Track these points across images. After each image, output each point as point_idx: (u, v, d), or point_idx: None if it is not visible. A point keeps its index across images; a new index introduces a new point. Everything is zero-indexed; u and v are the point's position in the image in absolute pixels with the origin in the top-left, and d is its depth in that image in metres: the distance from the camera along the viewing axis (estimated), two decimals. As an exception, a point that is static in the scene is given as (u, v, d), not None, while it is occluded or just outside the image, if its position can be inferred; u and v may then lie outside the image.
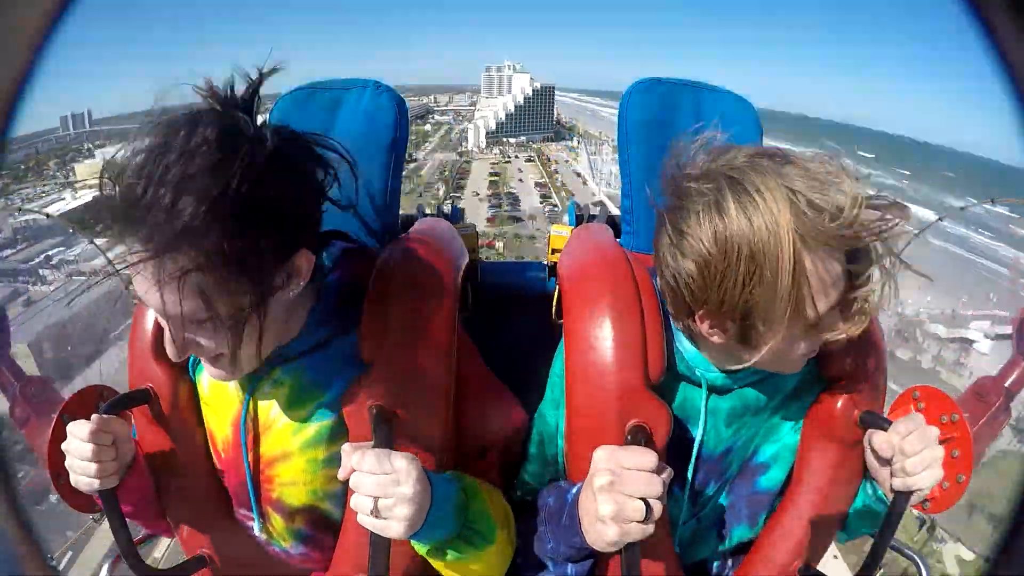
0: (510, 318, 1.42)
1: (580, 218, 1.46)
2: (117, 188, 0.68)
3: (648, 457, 0.75)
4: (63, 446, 0.86)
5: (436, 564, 0.86)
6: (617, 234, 1.25)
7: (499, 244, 65.06)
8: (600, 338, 0.89)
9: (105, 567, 1.11)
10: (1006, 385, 1.50)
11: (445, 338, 0.91)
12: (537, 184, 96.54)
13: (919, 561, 1.18)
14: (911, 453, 0.79)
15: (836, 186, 0.71)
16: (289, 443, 0.92)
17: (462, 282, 1.03)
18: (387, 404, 0.85)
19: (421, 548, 0.83)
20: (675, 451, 0.93)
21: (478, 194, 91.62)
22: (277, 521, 0.98)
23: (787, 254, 0.70)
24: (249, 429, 0.93)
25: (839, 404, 0.93)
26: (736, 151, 0.79)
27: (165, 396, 0.94)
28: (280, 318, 0.83)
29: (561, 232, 1.42)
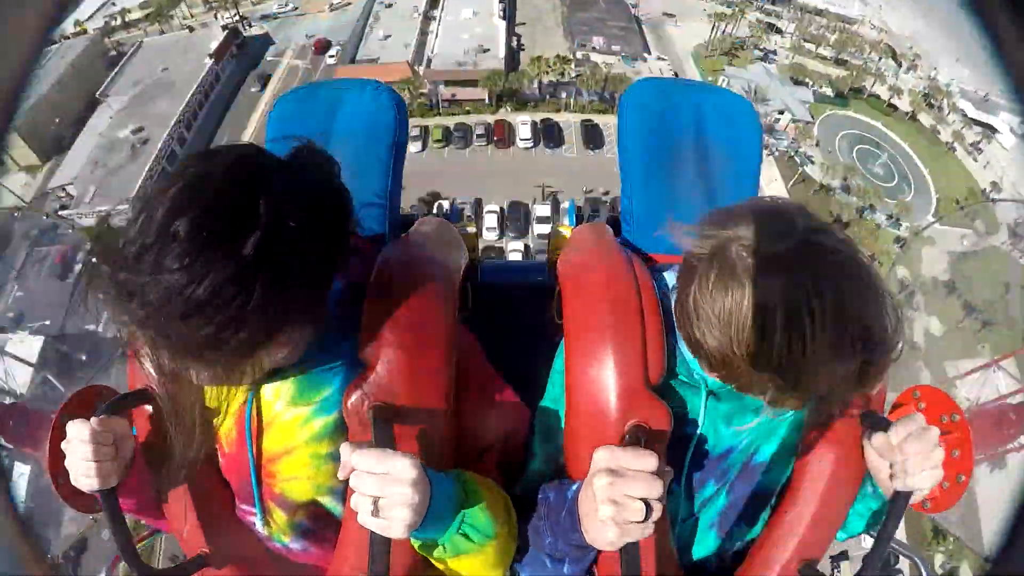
0: (510, 318, 1.42)
1: (580, 218, 1.46)
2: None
3: (648, 458, 0.75)
4: (63, 446, 0.86)
5: (437, 562, 0.86)
6: (617, 234, 1.25)
7: None
8: (600, 338, 0.89)
9: (105, 567, 1.11)
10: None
11: (445, 337, 0.91)
12: None
13: (919, 561, 1.18)
14: (911, 453, 0.79)
15: None
16: (292, 438, 0.93)
17: (462, 282, 1.03)
18: (387, 403, 0.85)
19: (421, 546, 0.83)
20: (675, 451, 0.93)
21: None
22: (279, 516, 0.98)
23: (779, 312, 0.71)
24: (253, 424, 0.93)
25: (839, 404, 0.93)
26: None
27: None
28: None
29: (561, 232, 1.42)
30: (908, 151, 32.21)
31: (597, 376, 0.89)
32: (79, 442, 0.84)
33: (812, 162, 30.73)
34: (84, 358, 20.31)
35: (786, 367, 0.72)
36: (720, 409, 0.96)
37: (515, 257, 26.21)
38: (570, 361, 0.93)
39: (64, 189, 27.91)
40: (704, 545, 1.04)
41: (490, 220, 27.86)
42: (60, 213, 27.10)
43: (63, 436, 0.86)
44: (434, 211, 1.60)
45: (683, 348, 0.94)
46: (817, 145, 31.33)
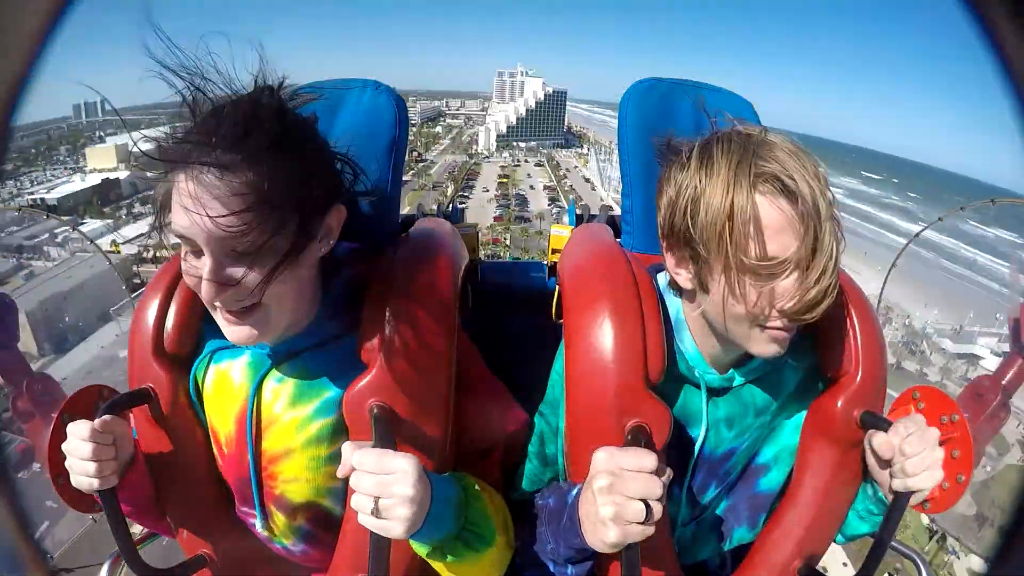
0: (510, 318, 1.42)
1: (580, 218, 1.46)
2: (192, 121, 0.76)
3: (648, 459, 0.75)
4: (63, 446, 0.86)
5: (435, 564, 0.86)
6: (617, 234, 1.25)
7: (506, 239, 65.32)
8: (600, 338, 0.89)
9: (105, 567, 1.11)
10: (1003, 383, 1.50)
11: (445, 338, 0.91)
12: (546, 187, 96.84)
13: (919, 561, 1.18)
14: (911, 454, 0.79)
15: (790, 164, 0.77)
16: (292, 440, 0.93)
17: (462, 282, 1.03)
18: (387, 404, 0.85)
19: (420, 548, 0.83)
20: (675, 452, 0.93)
21: (487, 190, 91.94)
22: (279, 518, 0.98)
23: (721, 189, 0.78)
24: (253, 426, 0.93)
25: (839, 404, 0.93)
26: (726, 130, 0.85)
27: (165, 396, 0.94)
28: (305, 282, 0.86)
29: (561, 232, 1.41)
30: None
31: (597, 376, 0.89)
32: (79, 442, 0.84)
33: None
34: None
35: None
36: (721, 411, 0.96)
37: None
38: (570, 361, 0.93)
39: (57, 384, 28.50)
40: (705, 547, 1.04)
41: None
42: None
43: (63, 436, 0.86)
44: (434, 211, 1.60)
45: (684, 346, 0.94)
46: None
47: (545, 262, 1.52)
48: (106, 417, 0.86)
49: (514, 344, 1.24)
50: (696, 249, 0.82)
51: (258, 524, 0.99)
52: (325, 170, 0.87)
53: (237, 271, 0.76)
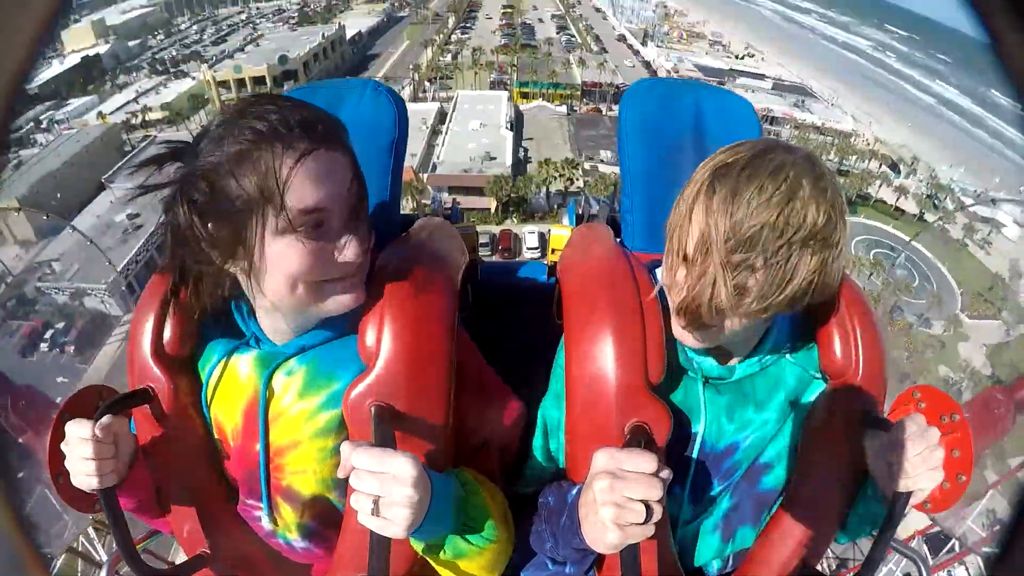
0: (510, 318, 1.42)
1: (580, 218, 1.46)
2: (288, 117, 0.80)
3: (648, 460, 0.75)
4: (63, 446, 0.86)
5: (435, 562, 0.86)
6: (617, 234, 1.25)
7: (513, 63, 62.76)
8: (600, 338, 0.89)
9: (105, 567, 1.11)
10: (1016, 398, 1.48)
11: (445, 337, 0.91)
12: (554, 16, 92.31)
13: (919, 561, 1.18)
14: (911, 454, 0.79)
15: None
16: (300, 431, 0.93)
17: (462, 282, 1.03)
18: (387, 403, 0.85)
19: (420, 546, 0.83)
20: (677, 448, 0.94)
21: (491, 18, 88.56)
22: (286, 511, 0.98)
23: (687, 197, 0.82)
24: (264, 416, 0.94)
25: (839, 404, 0.93)
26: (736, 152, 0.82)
27: (165, 395, 0.94)
28: None
29: (561, 232, 1.42)
30: (924, 251, 33.55)
31: (597, 376, 0.89)
32: (79, 442, 0.84)
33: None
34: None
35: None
36: (720, 402, 0.96)
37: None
38: (570, 361, 0.93)
39: (50, 265, 28.58)
40: (707, 547, 1.04)
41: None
42: (38, 286, 27.92)
43: (63, 436, 0.86)
44: (434, 211, 1.60)
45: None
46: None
47: (545, 262, 1.52)
48: (106, 417, 0.86)
49: (514, 344, 1.24)
50: (674, 246, 0.86)
51: (264, 517, 0.99)
52: None
53: (354, 237, 0.85)
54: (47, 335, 25.63)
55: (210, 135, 0.80)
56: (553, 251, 1.41)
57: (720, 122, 1.20)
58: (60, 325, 26.10)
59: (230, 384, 0.96)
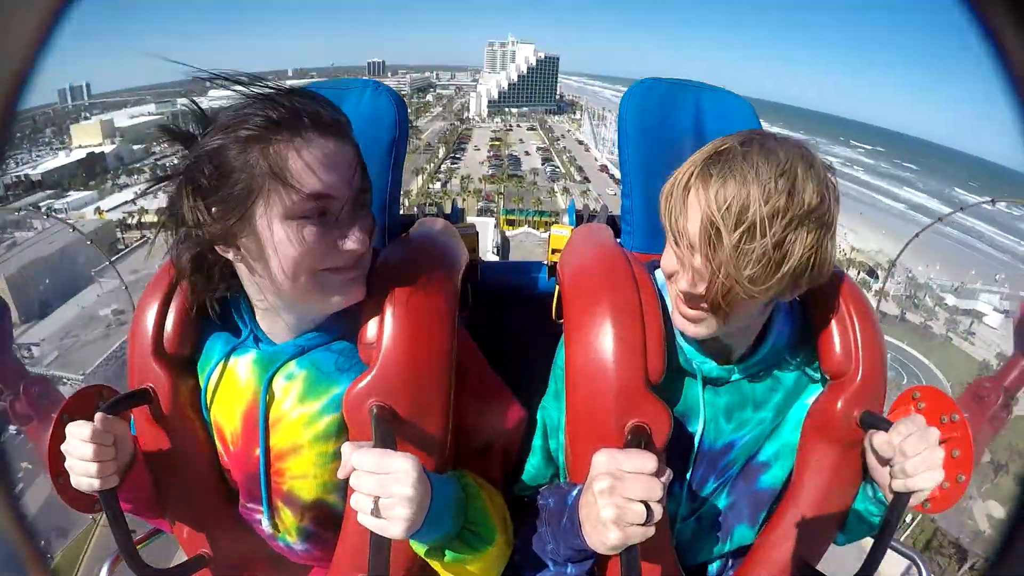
0: (510, 318, 1.42)
1: (580, 218, 1.46)
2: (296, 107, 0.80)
3: (648, 460, 0.75)
4: (63, 447, 0.86)
5: (435, 564, 0.86)
6: (617, 234, 1.25)
7: (500, 191, 65.33)
8: (600, 338, 0.89)
9: (105, 567, 1.11)
10: (1005, 384, 1.50)
11: (445, 338, 0.91)
12: (539, 148, 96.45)
13: (919, 561, 1.18)
14: (911, 455, 0.79)
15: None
16: (300, 436, 0.93)
17: (462, 282, 1.03)
18: (387, 403, 0.85)
19: (420, 548, 0.83)
20: (676, 447, 0.94)
21: (479, 149, 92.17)
22: (287, 515, 0.98)
23: (681, 182, 0.83)
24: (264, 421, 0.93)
25: (839, 404, 0.93)
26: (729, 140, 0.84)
27: (165, 396, 0.94)
28: None
29: (561, 232, 1.41)
30: (909, 350, 34.38)
31: (597, 376, 0.89)
32: (79, 442, 0.84)
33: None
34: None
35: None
36: (719, 403, 0.96)
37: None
38: (570, 361, 0.93)
39: (29, 348, 28.20)
40: (705, 545, 1.04)
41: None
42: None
43: (63, 436, 0.86)
44: (434, 211, 1.60)
45: (681, 341, 0.94)
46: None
47: (545, 262, 1.51)
48: (106, 417, 0.85)
49: (514, 344, 1.24)
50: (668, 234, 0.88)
51: (265, 521, 0.99)
52: None
53: (358, 226, 0.85)
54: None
55: (220, 123, 0.80)
56: (553, 251, 1.41)
57: (720, 122, 1.21)
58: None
59: (229, 387, 0.95)
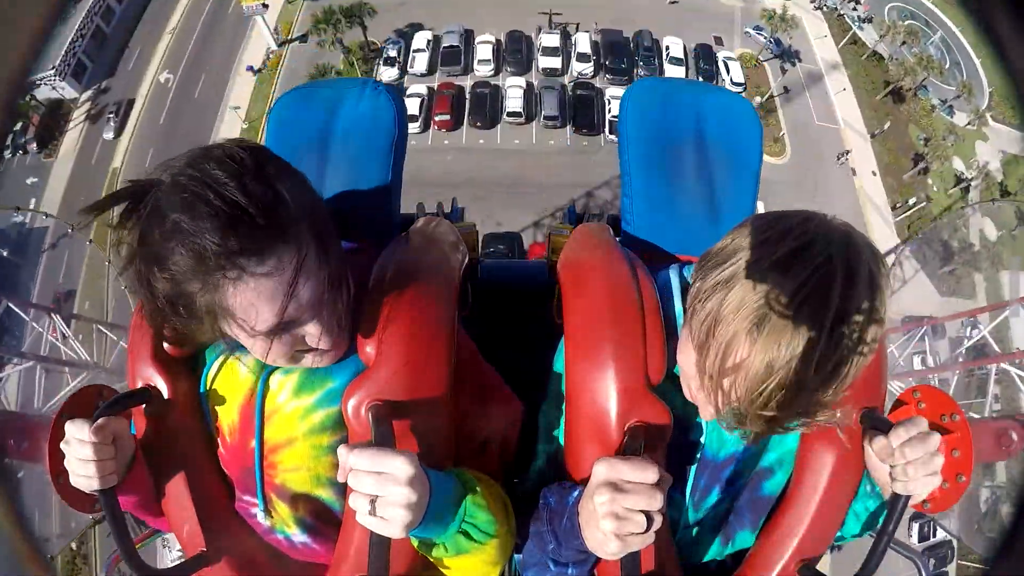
0: (510, 318, 1.42)
1: (580, 218, 1.46)
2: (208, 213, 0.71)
3: (648, 470, 0.74)
4: (62, 446, 0.86)
5: (436, 560, 0.86)
6: (617, 234, 1.25)
7: None
8: (600, 338, 0.89)
9: (105, 567, 1.11)
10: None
11: (444, 337, 0.91)
12: None
13: (919, 561, 1.18)
14: (912, 458, 0.79)
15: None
16: (294, 429, 0.93)
17: (462, 281, 1.03)
18: (386, 403, 0.85)
19: (420, 545, 0.83)
20: (677, 456, 0.93)
21: None
22: (281, 507, 0.98)
23: (735, 307, 0.72)
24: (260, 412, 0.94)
25: (839, 404, 0.92)
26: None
27: (164, 395, 0.94)
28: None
29: (561, 232, 1.41)
30: (959, 36, 27.44)
31: (597, 376, 0.89)
32: (78, 442, 0.83)
33: (862, 27, 27.79)
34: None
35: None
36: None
37: (514, 95, 22.19)
38: (570, 361, 0.93)
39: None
40: (706, 550, 1.04)
41: (483, 52, 23.25)
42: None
43: (63, 436, 0.86)
44: (434, 211, 1.60)
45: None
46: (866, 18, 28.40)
47: (545, 262, 1.52)
48: (105, 417, 0.85)
49: (514, 344, 1.24)
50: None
51: (259, 513, 0.99)
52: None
53: (306, 328, 0.82)
54: (7, 141, 23.91)
55: (159, 237, 0.72)
56: (553, 251, 1.41)
57: (720, 122, 1.20)
58: (17, 127, 22.93)
59: (228, 382, 0.96)
